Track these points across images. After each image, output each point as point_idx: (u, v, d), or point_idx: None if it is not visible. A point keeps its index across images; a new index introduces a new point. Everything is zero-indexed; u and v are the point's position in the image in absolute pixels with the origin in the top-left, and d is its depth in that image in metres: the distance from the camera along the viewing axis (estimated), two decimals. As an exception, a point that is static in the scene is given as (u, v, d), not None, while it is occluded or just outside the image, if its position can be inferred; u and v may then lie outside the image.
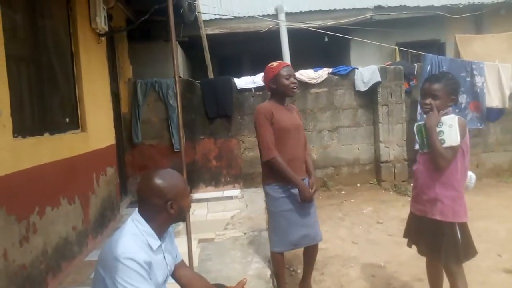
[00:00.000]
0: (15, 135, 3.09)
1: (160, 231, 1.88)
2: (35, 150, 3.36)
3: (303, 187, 3.01)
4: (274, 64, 3.11)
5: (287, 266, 3.87)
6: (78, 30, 4.57)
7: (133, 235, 1.78)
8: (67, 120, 4.31)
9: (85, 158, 4.42)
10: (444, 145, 2.54)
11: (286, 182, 3.05)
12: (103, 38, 5.36)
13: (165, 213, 1.83)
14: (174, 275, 2.10)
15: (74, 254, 3.89)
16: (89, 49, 4.85)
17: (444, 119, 2.58)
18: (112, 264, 1.69)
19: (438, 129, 2.57)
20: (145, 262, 1.72)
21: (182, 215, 1.91)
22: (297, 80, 3.16)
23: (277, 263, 3.28)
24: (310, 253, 3.31)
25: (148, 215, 1.84)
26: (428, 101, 2.65)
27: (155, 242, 1.84)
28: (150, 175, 1.87)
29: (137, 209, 1.89)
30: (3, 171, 2.83)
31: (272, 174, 3.09)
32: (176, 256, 2.10)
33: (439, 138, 2.56)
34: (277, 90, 3.10)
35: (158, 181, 1.82)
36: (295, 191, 3.08)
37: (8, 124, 2.98)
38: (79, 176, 4.23)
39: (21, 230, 2.98)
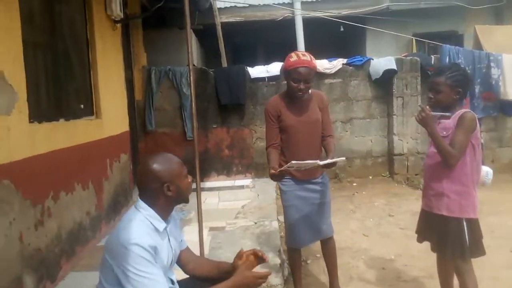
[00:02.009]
0: (31, 120, 3.14)
1: (164, 214, 1.92)
2: (51, 136, 3.40)
3: (271, 174, 2.83)
4: (294, 57, 2.84)
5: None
6: (94, 17, 4.58)
7: (137, 221, 1.82)
8: (82, 106, 4.35)
9: (99, 145, 4.47)
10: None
11: (297, 176, 3.00)
12: (118, 25, 5.37)
13: (164, 196, 1.87)
14: (180, 262, 2.12)
15: (87, 238, 3.95)
16: (104, 35, 4.87)
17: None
18: (118, 251, 1.73)
19: None
20: (150, 247, 1.75)
21: (182, 196, 1.94)
22: (308, 84, 2.88)
23: (289, 259, 3.25)
24: (326, 251, 3.20)
25: (149, 200, 1.88)
26: (430, 94, 2.60)
27: (160, 224, 1.88)
28: (145, 161, 1.92)
29: (138, 196, 1.93)
30: (19, 156, 2.88)
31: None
32: (181, 241, 2.14)
33: None
34: (286, 84, 2.97)
35: (152, 165, 1.86)
36: (301, 186, 3.02)
37: (24, 109, 3.02)
38: (93, 162, 4.28)
39: (36, 214, 3.04)
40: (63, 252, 3.43)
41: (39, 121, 3.30)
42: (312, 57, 2.89)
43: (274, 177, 2.87)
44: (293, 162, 2.69)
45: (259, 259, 2.11)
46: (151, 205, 1.88)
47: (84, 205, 3.94)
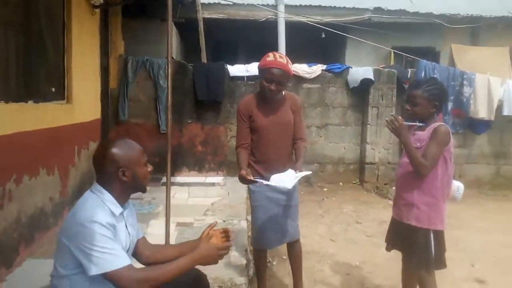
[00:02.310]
0: (-2, 99, 3.01)
1: (120, 200, 1.89)
2: (18, 117, 3.28)
3: (240, 175, 2.79)
4: (270, 57, 2.81)
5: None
6: (72, -1, 4.45)
7: (93, 202, 1.79)
8: (53, 90, 4.22)
9: (68, 130, 4.34)
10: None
11: (263, 176, 2.91)
12: (97, 10, 5.26)
13: (119, 181, 1.84)
14: (136, 251, 2.06)
15: (48, 225, 3.82)
16: (82, 20, 4.74)
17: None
18: (76, 230, 1.69)
19: None
20: (109, 224, 1.73)
21: (137, 184, 1.91)
22: (280, 87, 2.83)
23: (255, 259, 3.22)
24: (292, 254, 3.16)
25: (105, 184, 1.85)
26: (407, 106, 2.63)
27: (116, 208, 1.85)
28: (104, 143, 1.92)
29: (95, 180, 1.89)
30: (-19, 134, 2.75)
31: (252, 166, 2.99)
32: (137, 229, 2.10)
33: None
34: (259, 83, 2.93)
35: (111, 149, 1.84)
36: (270, 187, 2.87)
37: (-9, 87, 2.89)
38: (60, 147, 4.14)
39: (-5, 197, 2.91)
40: (22, 238, 3.29)
41: (6, 101, 3.17)
42: (289, 60, 2.86)
43: (242, 180, 2.81)
44: (264, 182, 2.65)
45: (227, 238, 2.15)
46: (107, 189, 1.85)
47: (47, 191, 3.81)
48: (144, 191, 1.99)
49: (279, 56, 2.83)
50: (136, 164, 1.87)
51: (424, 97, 2.55)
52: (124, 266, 1.70)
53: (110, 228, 1.73)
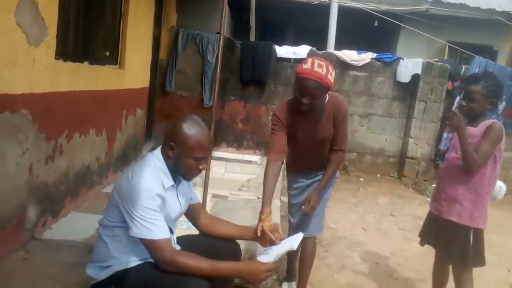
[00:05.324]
0: (57, 57, 3.15)
1: (174, 172, 1.91)
2: (73, 76, 3.42)
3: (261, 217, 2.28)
4: (307, 65, 2.33)
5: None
6: (133, -33, 4.55)
7: (150, 169, 1.84)
8: (107, 54, 4.36)
9: (118, 95, 4.49)
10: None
11: (296, 176, 2.87)
12: (155, -19, 5.34)
13: (167, 153, 1.87)
14: (190, 215, 2.15)
15: (93, 183, 4.00)
16: (140, -12, 4.85)
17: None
18: (127, 191, 1.76)
19: None
20: (158, 195, 1.78)
21: (178, 168, 1.88)
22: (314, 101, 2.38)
23: None
24: (304, 250, 2.86)
25: (164, 153, 1.90)
26: (463, 102, 2.55)
27: (168, 181, 1.87)
28: (185, 116, 1.90)
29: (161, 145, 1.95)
30: (40, 89, 2.90)
31: (287, 164, 2.92)
32: (191, 198, 2.14)
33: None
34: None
35: (182, 124, 1.84)
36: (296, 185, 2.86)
37: (52, 44, 3.03)
38: (109, 110, 4.31)
39: (48, 149, 3.07)
40: (68, 191, 3.48)
41: (64, 59, 3.30)
42: (330, 70, 2.35)
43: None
44: (267, 256, 1.99)
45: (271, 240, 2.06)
46: (164, 158, 1.89)
47: (95, 150, 3.98)
48: (186, 179, 1.97)
49: (318, 64, 2.33)
50: (186, 151, 1.83)
51: (483, 93, 2.47)
52: (163, 238, 1.74)
53: (158, 199, 1.77)
